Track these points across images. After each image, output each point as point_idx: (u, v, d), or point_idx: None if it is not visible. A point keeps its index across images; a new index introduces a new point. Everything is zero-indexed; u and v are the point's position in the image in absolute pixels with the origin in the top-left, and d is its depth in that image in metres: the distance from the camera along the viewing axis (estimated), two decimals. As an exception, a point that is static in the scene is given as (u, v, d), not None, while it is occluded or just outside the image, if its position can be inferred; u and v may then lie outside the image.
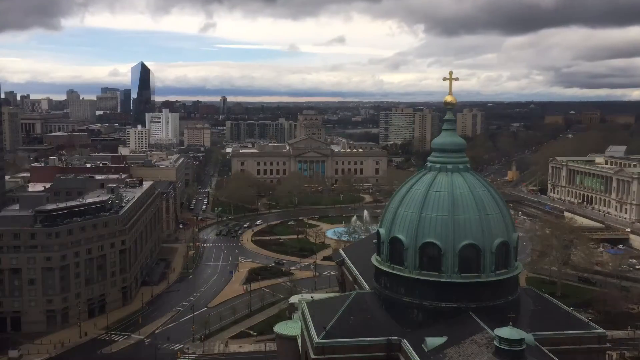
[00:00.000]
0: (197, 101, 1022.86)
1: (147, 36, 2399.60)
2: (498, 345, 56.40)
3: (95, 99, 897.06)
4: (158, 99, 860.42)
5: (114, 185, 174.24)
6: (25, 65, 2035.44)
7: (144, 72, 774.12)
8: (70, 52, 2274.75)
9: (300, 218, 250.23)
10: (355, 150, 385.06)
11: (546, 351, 59.58)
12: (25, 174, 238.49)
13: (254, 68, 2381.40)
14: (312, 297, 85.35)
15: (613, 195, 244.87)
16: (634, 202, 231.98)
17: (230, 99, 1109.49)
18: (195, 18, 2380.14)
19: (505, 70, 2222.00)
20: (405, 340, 65.05)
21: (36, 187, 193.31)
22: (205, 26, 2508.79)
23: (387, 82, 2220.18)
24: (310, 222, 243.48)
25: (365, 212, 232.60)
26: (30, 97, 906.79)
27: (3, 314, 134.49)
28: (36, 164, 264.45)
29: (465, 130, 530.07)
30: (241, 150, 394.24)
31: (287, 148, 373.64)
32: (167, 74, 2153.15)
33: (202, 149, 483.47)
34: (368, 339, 66.30)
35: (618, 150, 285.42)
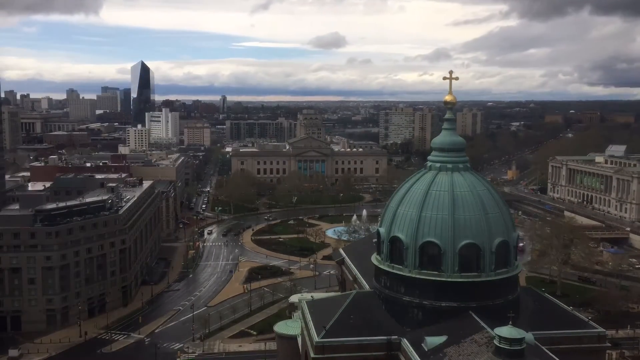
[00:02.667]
0: (198, 100, 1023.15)
1: (177, 35, 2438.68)
2: (498, 344, 56.38)
3: (95, 98, 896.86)
4: (159, 97, 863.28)
5: (114, 184, 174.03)
6: (31, 62, 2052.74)
7: (144, 72, 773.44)
8: (84, 52, 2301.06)
9: (300, 217, 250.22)
10: (355, 149, 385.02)
11: (546, 350, 59.56)
12: (25, 173, 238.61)
13: (272, 66, 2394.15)
14: (312, 297, 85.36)
15: (613, 195, 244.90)
16: (634, 202, 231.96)
17: (230, 98, 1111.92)
18: (238, 15, 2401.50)
19: (543, 68, 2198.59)
20: (405, 339, 65.05)
21: (36, 186, 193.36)
22: (243, 25, 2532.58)
23: (400, 81, 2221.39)
24: (310, 221, 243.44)
25: (364, 212, 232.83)
26: (30, 97, 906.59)
27: (3, 314, 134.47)
28: (36, 163, 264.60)
29: (465, 130, 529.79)
30: (241, 150, 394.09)
31: (287, 147, 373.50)
32: (178, 72, 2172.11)
33: (202, 148, 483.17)
34: (368, 338, 66.28)
35: (618, 149, 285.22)
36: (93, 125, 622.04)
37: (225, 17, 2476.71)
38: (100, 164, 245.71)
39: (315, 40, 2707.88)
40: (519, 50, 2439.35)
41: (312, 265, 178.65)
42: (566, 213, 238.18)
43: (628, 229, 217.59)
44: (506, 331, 56.37)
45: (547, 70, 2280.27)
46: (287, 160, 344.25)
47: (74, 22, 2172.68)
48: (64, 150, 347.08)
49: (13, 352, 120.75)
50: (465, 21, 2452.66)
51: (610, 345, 75.36)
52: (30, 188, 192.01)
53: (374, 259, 75.15)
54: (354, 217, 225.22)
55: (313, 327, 67.78)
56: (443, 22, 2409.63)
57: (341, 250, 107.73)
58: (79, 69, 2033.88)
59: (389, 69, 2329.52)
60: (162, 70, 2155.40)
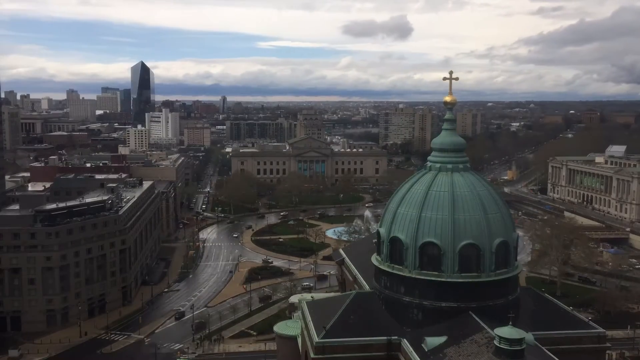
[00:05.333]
0: (197, 101, 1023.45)
1: (207, 36, 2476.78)
2: (498, 344, 56.37)
3: (95, 98, 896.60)
4: (167, 98, 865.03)
5: (114, 185, 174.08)
6: (41, 61, 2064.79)
7: (144, 72, 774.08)
8: (102, 52, 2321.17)
9: (300, 218, 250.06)
10: (355, 150, 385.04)
11: (546, 351, 59.54)
12: (25, 174, 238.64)
13: (292, 65, 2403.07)
14: (312, 297, 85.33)
15: (613, 195, 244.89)
16: (634, 202, 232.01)
17: (230, 98, 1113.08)
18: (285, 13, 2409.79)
19: (588, 65, 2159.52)
20: (405, 339, 64.99)
21: (36, 186, 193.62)
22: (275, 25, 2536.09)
23: (416, 80, 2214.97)
24: (310, 221, 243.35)
25: (367, 212, 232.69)
26: (31, 97, 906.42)
27: (3, 314, 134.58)
28: (36, 164, 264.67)
29: (465, 130, 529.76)
30: (241, 150, 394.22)
31: (287, 148, 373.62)
32: (191, 72, 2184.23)
33: (202, 148, 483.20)
34: (368, 338, 66.21)
35: (618, 149, 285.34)
36: (93, 126, 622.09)
37: (271, 16, 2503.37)
38: (100, 164, 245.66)
39: (379, 26, 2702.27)
40: (577, 45, 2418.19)
41: (312, 267, 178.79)
42: (566, 213, 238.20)
43: (628, 229, 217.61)
44: (506, 331, 56.36)
45: (585, 68, 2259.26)
46: (287, 160, 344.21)
47: (102, 22, 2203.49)
48: (63, 151, 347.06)
49: (13, 353, 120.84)
50: (554, 8, 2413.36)
51: (610, 345, 75.27)
52: (30, 188, 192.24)
53: (374, 259, 75.12)
54: (356, 219, 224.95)
55: (313, 327, 67.75)
56: (505, 17, 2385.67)
57: (341, 251, 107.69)
58: (85, 68, 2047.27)
59: (418, 67, 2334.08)
60: (174, 69, 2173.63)
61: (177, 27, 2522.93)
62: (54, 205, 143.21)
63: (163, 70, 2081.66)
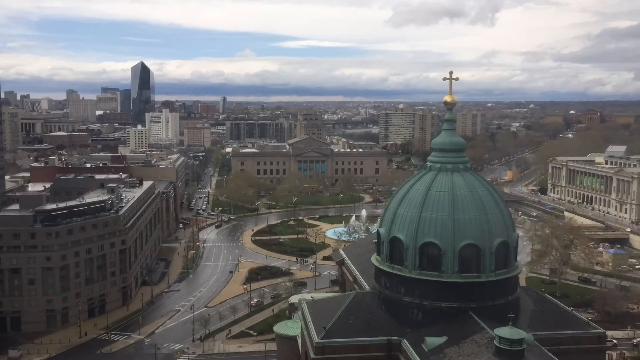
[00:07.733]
0: (198, 101, 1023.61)
1: (239, 37, 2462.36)
2: (498, 345, 56.43)
3: (95, 98, 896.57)
4: (162, 97, 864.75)
5: (114, 185, 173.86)
6: (47, 61, 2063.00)
7: (144, 72, 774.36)
8: (121, 53, 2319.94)
9: (300, 218, 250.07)
10: (355, 150, 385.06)
11: (546, 351, 59.57)
12: (25, 174, 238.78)
13: (310, 64, 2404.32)
14: (312, 297, 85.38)
15: (613, 195, 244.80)
16: (634, 202, 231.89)
17: (233, 98, 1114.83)
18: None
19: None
20: (405, 340, 65.07)
21: (36, 187, 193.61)
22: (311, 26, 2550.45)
23: (428, 80, 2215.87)
24: (310, 222, 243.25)
25: (363, 212, 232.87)
26: (31, 97, 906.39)
27: (3, 314, 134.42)
28: (36, 164, 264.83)
29: (465, 130, 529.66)
30: (241, 150, 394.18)
31: (287, 148, 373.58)
32: (203, 71, 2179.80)
33: (202, 148, 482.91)
34: (368, 338, 66.31)
35: (618, 150, 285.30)
36: (93, 126, 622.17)
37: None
38: (100, 164, 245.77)
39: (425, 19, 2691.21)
40: (636, 41, 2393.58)
41: (312, 266, 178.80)
42: (566, 213, 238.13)
43: (628, 229, 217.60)
44: (506, 332, 56.42)
45: (626, 66, 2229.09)
46: (287, 160, 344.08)
47: (138, 22, 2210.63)
48: (64, 151, 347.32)
49: (13, 353, 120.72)
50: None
51: (610, 345, 75.39)
52: (30, 189, 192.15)
53: (374, 259, 75.14)
54: (353, 217, 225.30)
55: (313, 327, 67.80)
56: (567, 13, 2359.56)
57: (341, 251, 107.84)
58: (91, 67, 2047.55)
59: (449, 65, 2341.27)
60: (184, 68, 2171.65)
61: (211, 27, 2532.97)
62: (54, 205, 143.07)
63: (173, 68, 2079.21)
